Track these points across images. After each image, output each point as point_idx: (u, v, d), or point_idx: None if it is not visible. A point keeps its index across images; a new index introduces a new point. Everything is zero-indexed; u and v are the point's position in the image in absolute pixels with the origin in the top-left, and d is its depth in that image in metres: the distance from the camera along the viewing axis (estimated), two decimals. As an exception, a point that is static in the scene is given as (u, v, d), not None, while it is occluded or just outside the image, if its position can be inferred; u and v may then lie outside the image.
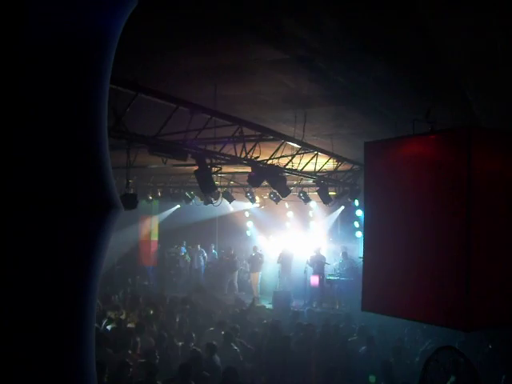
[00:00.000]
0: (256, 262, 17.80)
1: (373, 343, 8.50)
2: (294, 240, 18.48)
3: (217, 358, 7.55)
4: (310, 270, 16.11)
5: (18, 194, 1.66)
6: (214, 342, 7.92)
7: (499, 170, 4.24)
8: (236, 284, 18.20)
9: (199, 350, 7.88)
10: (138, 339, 8.18)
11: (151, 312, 11.18)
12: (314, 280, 15.94)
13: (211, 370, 7.00)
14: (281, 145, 9.68)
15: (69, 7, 1.79)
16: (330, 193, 12.97)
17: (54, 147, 1.78)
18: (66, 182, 1.79)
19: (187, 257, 19.88)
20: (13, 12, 1.67)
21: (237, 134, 8.66)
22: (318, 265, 16.02)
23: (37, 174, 1.72)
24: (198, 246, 19.93)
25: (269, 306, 15.04)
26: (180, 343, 8.85)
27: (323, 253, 16.78)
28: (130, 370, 6.65)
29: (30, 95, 1.72)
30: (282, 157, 10.18)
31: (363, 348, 8.34)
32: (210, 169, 9.02)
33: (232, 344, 8.29)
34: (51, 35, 1.75)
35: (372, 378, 7.12)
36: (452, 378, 4.62)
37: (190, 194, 16.49)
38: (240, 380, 6.56)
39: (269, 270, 18.21)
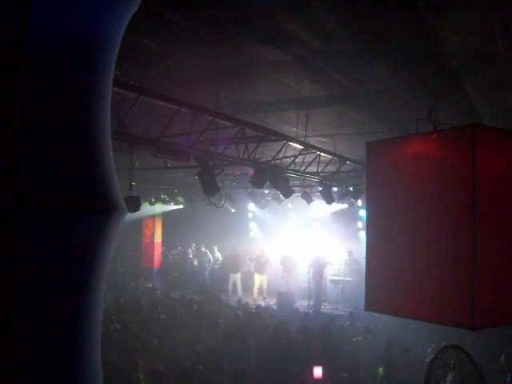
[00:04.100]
0: (259, 263, 17.74)
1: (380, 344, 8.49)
2: (297, 241, 18.47)
3: (220, 359, 7.54)
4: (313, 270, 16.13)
5: (22, 197, 1.66)
6: (216, 345, 7.91)
7: (504, 168, 4.23)
8: (240, 285, 18.16)
9: (201, 352, 7.87)
10: (143, 341, 8.19)
11: (155, 314, 11.20)
12: (315, 281, 15.95)
13: (215, 371, 6.99)
14: (283, 146, 9.68)
15: (71, 9, 1.79)
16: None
17: (57, 150, 1.78)
18: (69, 185, 1.79)
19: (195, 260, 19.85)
20: (18, 12, 1.67)
21: (239, 135, 8.67)
22: (318, 266, 16.02)
23: (41, 177, 1.72)
24: (202, 248, 19.92)
25: (273, 307, 15.04)
26: (183, 344, 8.85)
27: (325, 253, 16.78)
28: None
29: (33, 97, 1.73)
30: (284, 157, 10.17)
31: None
32: (213, 170, 9.02)
33: (235, 346, 8.28)
34: (54, 37, 1.75)
35: (380, 371, 7.12)
36: (456, 378, 4.61)
37: (193, 196, 16.53)
38: (247, 381, 6.55)
39: (272, 271, 18.19)
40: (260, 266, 17.62)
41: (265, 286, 17.60)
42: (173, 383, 6.69)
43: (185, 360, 7.42)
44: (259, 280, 17.59)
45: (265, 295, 17.29)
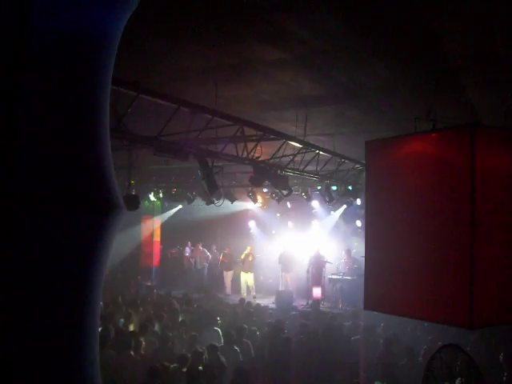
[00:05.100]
0: (246, 262, 17.74)
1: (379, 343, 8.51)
2: (296, 239, 18.47)
3: (222, 358, 7.54)
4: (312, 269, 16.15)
5: (21, 195, 1.66)
6: (216, 344, 7.91)
7: (503, 167, 4.23)
8: (229, 284, 18.19)
9: (202, 350, 7.87)
10: (142, 339, 8.18)
11: (153, 312, 11.20)
12: (314, 280, 15.98)
13: (217, 370, 6.98)
14: (282, 144, 9.68)
15: (70, 7, 1.79)
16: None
17: (57, 148, 1.78)
18: (68, 184, 1.79)
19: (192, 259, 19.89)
20: (17, 12, 1.67)
21: (238, 134, 8.66)
22: (317, 265, 16.05)
23: (39, 175, 1.72)
24: (200, 247, 19.91)
25: (272, 306, 15.04)
26: (183, 344, 8.86)
27: (325, 252, 16.80)
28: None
29: (32, 95, 1.72)
30: (283, 156, 10.18)
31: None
32: (212, 169, 9.02)
33: (234, 345, 8.29)
34: (53, 36, 1.75)
35: None
36: (457, 378, 4.62)
37: (192, 195, 16.55)
38: (248, 380, 6.55)
39: (270, 270, 18.22)
40: (247, 265, 17.58)
41: (251, 285, 17.53)
42: (173, 382, 6.68)
43: (185, 359, 7.43)
44: (244, 278, 17.55)
45: (253, 293, 17.25)
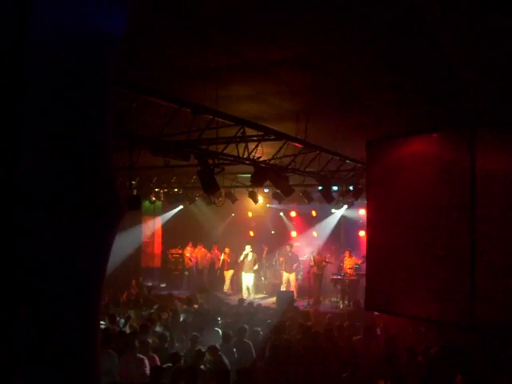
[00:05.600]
0: (245, 262, 17.73)
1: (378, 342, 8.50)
2: (297, 239, 18.46)
3: (224, 358, 7.55)
4: (313, 269, 16.16)
5: (24, 196, 1.67)
6: (217, 345, 7.91)
7: (503, 167, 4.23)
8: (229, 281, 18.16)
9: (204, 350, 7.88)
10: (150, 340, 8.18)
11: (154, 313, 11.20)
12: (315, 280, 16.00)
13: (217, 371, 6.99)
14: (283, 144, 9.68)
15: (71, 10, 1.79)
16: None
17: (57, 149, 1.79)
18: (69, 184, 1.79)
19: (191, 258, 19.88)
20: (18, 14, 1.67)
21: (239, 134, 8.67)
22: (318, 265, 16.07)
23: (40, 177, 1.72)
24: (201, 247, 19.91)
25: (273, 306, 15.05)
26: (184, 344, 8.87)
27: (325, 252, 16.74)
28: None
29: (35, 97, 1.73)
30: (284, 156, 10.17)
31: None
32: (213, 169, 9.03)
33: (231, 345, 8.31)
34: (53, 36, 1.75)
35: None
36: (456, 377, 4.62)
37: (193, 195, 16.55)
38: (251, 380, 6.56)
39: (272, 270, 18.19)
40: (247, 265, 17.55)
41: (250, 286, 17.48)
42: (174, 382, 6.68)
43: (186, 359, 7.43)
44: (245, 279, 17.52)
45: (252, 295, 17.22)
